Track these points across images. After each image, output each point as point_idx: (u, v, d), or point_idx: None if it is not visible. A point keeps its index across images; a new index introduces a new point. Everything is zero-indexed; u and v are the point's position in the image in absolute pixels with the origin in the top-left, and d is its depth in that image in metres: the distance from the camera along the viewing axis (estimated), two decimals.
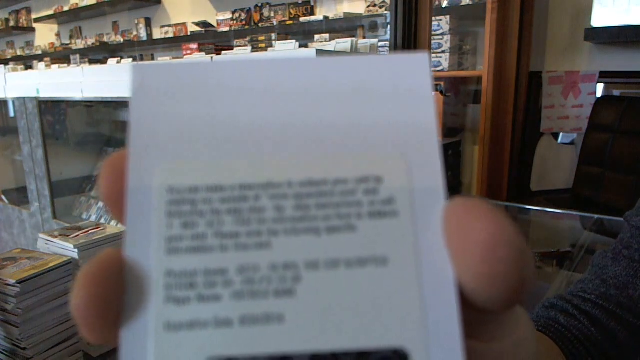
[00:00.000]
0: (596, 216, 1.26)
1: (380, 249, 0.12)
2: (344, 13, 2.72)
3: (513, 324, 0.15)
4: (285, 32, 3.04)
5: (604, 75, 1.81)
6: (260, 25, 3.20)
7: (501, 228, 0.11)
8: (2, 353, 0.72)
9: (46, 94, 1.68)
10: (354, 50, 1.47)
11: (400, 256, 0.12)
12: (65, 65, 2.70)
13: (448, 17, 2.17)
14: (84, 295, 0.12)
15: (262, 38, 3.06)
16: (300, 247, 0.12)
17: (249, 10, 3.27)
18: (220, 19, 3.41)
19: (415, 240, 0.12)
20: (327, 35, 2.72)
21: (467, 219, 0.12)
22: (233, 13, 3.34)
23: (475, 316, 0.14)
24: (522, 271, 0.11)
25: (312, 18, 2.85)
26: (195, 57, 2.03)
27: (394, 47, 1.44)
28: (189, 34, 3.63)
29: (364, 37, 2.68)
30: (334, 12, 2.83)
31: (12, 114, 1.86)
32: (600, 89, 1.85)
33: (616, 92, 1.84)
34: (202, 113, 0.13)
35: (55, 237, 0.83)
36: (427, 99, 0.13)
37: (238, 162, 0.13)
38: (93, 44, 4.45)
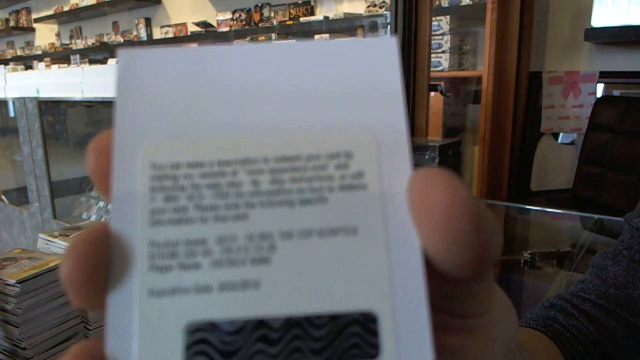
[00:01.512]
0: (596, 216, 1.25)
1: (350, 219, 0.13)
2: (344, 13, 2.72)
3: (489, 301, 0.15)
4: (285, 32, 3.03)
5: (604, 75, 1.81)
6: (260, 25, 3.20)
7: (458, 194, 0.12)
8: (2, 353, 0.72)
9: (46, 94, 1.68)
10: None
11: (369, 226, 0.13)
12: (65, 65, 2.70)
13: (448, 17, 2.17)
14: (71, 262, 0.12)
15: (262, 38, 3.06)
16: (275, 218, 0.13)
17: (249, 10, 3.27)
18: (221, 19, 3.40)
19: (383, 211, 0.13)
20: (327, 36, 2.71)
21: (427, 188, 0.12)
22: (233, 13, 3.34)
23: (451, 291, 0.14)
24: (481, 234, 0.12)
25: (312, 18, 2.84)
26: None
27: None
28: (189, 34, 3.63)
29: (364, 37, 2.68)
30: (334, 12, 2.83)
31: (12, 114, 1.86)
32: (600, 89, 1.85)
33: (616, 92, 1.84)
34: (184, 94, 0.14)
35: (55, 237, 0.83)
36: (395, 80, 0.14)
37: (217, 140, 0.13)
38: (93, 44, 4.45)
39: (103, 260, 0.13)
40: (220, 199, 0.13)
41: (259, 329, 0.12)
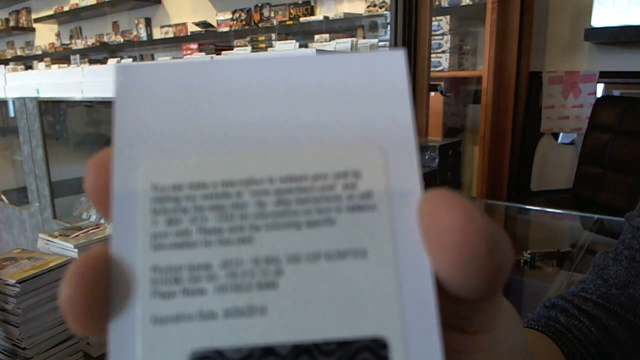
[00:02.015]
0: (596, 216, 1.26)
1: (359, 241, 0.12)
2: (344, 13, 2.72)
3: (497, 316, 0.15)
4: (285, 32, 3.03)
5: (604, 75, 1.81)
6: (260, 25, 3.19)
7: (471, 217, 0.12)
8: (2, 353, 0.72)
9: (46, 94, 1.68)
10: (354, 51, 1.47)
11: (378, 248, 0.12)
12: (65, 65, 2.70)
13: (448, 17, 2.17)
14: (71, 288, 0.12)
15: (262, 38, 3.06)
16: (281, 241, 0.12)
17: (249, 10, 3.27)
18: (220, 19, 3.40)
19: (392, 233, 0.13)
20: (327, 35, 2.71)
21: (439, 210, 0.12)
22: (233, 13, 3.34)
23: (459, 308, 0.14)
24: (494, 258, 0.12)
25: (312, 18, 2.84)
26: (195, 57, 2.03)
27: (394, 46, 1.44)
28: (189, 34, 3.63)
29: (364, 37, 2.68)
30: (334, 12, 2.83)
31: (12, 114, 1.86)
32: (600, 89, 1.85)
33: (616, 92, 1.84)
34: (185, 112, 0.13)
35: (55, 237, 0.83)
36: (403, 95, 0.14)
37: (220, 159, 0.13)
38: (93, 44, 4.45)
39: (104, 286, 0.12)
40: (224, 221, 0.13)
41: (266, 357, 0.12)
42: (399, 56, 0.14)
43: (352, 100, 0.14)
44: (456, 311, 0.14)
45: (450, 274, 0.12)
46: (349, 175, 0.13)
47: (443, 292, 0.13)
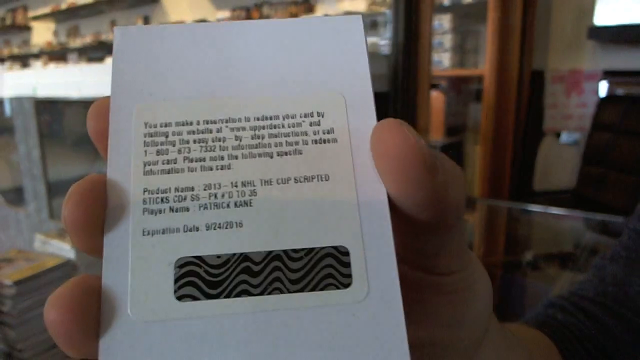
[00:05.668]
0: (599, 217, 1.25)
1: (323, 168, 0.15)
2: (345, 11, 2.71)
3: (463, 260, 0.17)
4: None
5: (607, 74, 1.80)
6: None
7: (407, 137, 0.13)
8: None
9: (43, 93, 1.66)
10: None
11: (340, 173, 0.15)
12: (63, 64, 2.69)
13: (449, 15, 2.16)
14: (72, 205, 0.14)
15: None
16: (256, 168, 0.15)
17: (248, 9, 3.27)
18: (220, 17, 3.40)
19: (351, 160, 0.15)
20: None
21: (384, 135, 0.14)
22: (232, 11, 3.33)
23: (423, 244, 0.16)
24: (434, 175, 0.13)
25: (312, 16, 2.84)
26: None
27: (395, 45, 1.43)
28: None
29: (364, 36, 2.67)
30: (334, 10, 2.82)
31: (8, 113, 1.84)
32: (603, 88, 1.84)
33: (620, 91, 1.84)
34: (174, 64, 0.16)
35: (52, 237, 0.82)
36: (362, 50, 0.16)
37: (203, 103, 0.15)
38: (91, 42, 4.43)
39: (101, 204, 0.14)
40: (206, 152, 0.15)
41: (242, 263, 0.14)
42: (357, 19, 0.17)
43: (318, 55, 0.16)
44: (421, 248, 0.16)
45: (397, 190, 0.14)
46: (315, 115, 0.15)
47: (406, 224, 0.15)
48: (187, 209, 0.14)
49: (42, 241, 0.84)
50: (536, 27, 1.86)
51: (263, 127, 0.15)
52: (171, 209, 0.14)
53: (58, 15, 4.72)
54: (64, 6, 4.47)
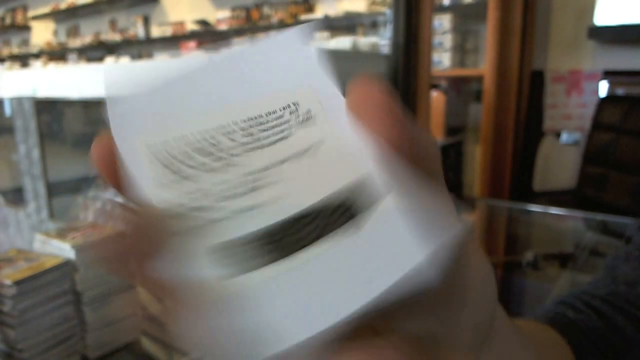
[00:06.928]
0: (600, 217, 1.25)
1: (309, 141, 0.17)
2: (345, 11, 2.71)
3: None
4: None
5: (607, 74, 1.80)
6: (259, 23, 3.19)
7: (371, 90, 0.15)
8: None
9: (43, 93, 1.66)
10: (354, 50, 1.46)
11: (326, 142, 0.17)
12: (62, 63, 2.69)
13: (449, 15, 2.16)
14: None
15: (261, 36, 3.06)
16: (254, 159, 0.17)
17: (248, 9, 3.27)
18: (220, 17, 3.39)
19: (332, 125, 0.17)
20: (327, 34, 2.70)
21: (356, 89, 0.16)
22: (232, 11, 3.33)
23: None
24: (390, 116, 0.15)
25: (312, 16, 2.83)
26: (194, 55, 2.02)
27: (395, 45, 1.42)
28: (187, 32, 3.62)
29: (365, 35, 2.67)
30: (335, 10, 2.82)
31: (8, 113, 1.84)
32: (603, 87, 1.84)
33: (620, 91, 1.84)
34: (160, 96, 0.18)
35: (52, 237, 0.82)
36: (313, 56, 0.19)
37: (193, 120, 0.18)
38: (90, 42, 4.43)
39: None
40: (206, 156, 0.17)
41: (264, 237, 0.15)
42: (300, 31, 0.19)
43: (277, 67, 0.19)
44: None
45: (375, 128, 0.15)
46: (292, 105, 0.18)
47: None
48: (206, 209, 0.16)
49: (42, 241, 0.83)
50: (536, 27, 1.86)
51: (251, 126, 0.17)
52: (191, 210, 0.16)
53: (58, 15, 4.72)
54: (63, 6, 4.46)
